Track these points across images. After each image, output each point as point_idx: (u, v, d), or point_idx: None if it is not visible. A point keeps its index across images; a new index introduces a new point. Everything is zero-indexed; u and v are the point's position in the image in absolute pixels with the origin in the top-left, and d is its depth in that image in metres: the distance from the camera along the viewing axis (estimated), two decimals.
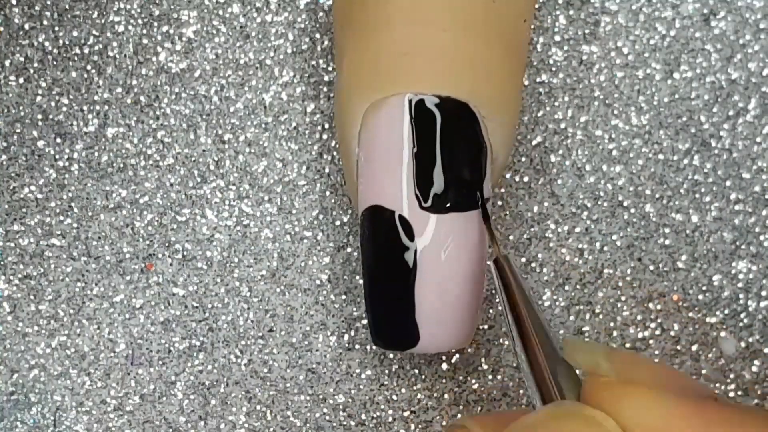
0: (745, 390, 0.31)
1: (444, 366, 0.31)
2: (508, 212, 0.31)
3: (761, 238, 0.31)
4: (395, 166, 0.26)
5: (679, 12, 0.31)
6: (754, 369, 0.31)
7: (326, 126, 0.31)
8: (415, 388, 0.31)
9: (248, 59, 0.31)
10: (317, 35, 0.31)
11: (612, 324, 0.31)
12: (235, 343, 0.31)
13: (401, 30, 0.26)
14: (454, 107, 0.26)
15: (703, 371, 0.31)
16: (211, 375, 0.31)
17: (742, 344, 0.31)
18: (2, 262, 0.31)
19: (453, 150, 0.26)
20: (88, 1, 0.31)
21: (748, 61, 0.31)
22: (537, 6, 0.31)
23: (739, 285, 0.31)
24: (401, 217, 0.26)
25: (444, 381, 0.31)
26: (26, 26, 0.31)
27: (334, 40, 0.30)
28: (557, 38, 0.31)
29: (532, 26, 0.31)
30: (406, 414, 0.31)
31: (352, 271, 0.31)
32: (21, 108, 0.31)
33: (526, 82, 0.31)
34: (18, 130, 0.31)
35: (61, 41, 0.31)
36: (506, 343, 0.31)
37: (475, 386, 0.31)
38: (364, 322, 0.31)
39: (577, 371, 0.24)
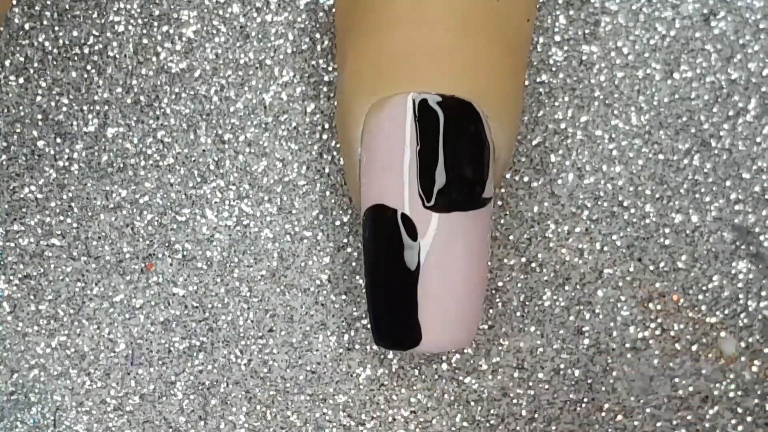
0: (745, 390, 0.31)
1: (444, 366, 0.31)
2: (508, 212, 0.31)
3: (761, 238, 0.31)
4: (398, 166, 0.26)
5: (679, 12, 0.31)
6: (754, 369, 0.31)
7: (326, 126, 0.31)
8: (415, 388, 0.31)
9: (248, 59, 0.31)
10: (317, 35, 0.31)
11: (612, 324, 0.31)
12: (235, 343, 0.31)
13: (404, 30, 0.26)
14: (457, 106, 0.26)
15: (703, 371, 0.31)
16: (211, 375, 0.31)
17: (742, 344, 0.31)
18: (2, 262, 0.31)
19: (456, 149, 0.26)
20: (88, 1, 0.31)
21: (748, 61, 0.31)
22: (537, 6, 0.31)
23: (739, 285, 0.31)
24: (404, 216, 0.26)
25: (444, 381, 0.31)
26: (26, 26, 0.31)
27: (335, 40, 0.30)
28: (557, 38, 0.31)
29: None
30: (406, 414, 0.31)
31: (352, 271, 0.31)
32: (21, 108, 0.31)
33: (526, 82, 0.31)
34: (18, 130, 0.31)
35: (61, 41, 0.31)
36: (506, 343, 0.31)
37: (475, 386, 0.31)
38: (365, 322, 0.31)
39: None
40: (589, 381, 0.31)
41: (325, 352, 0.31)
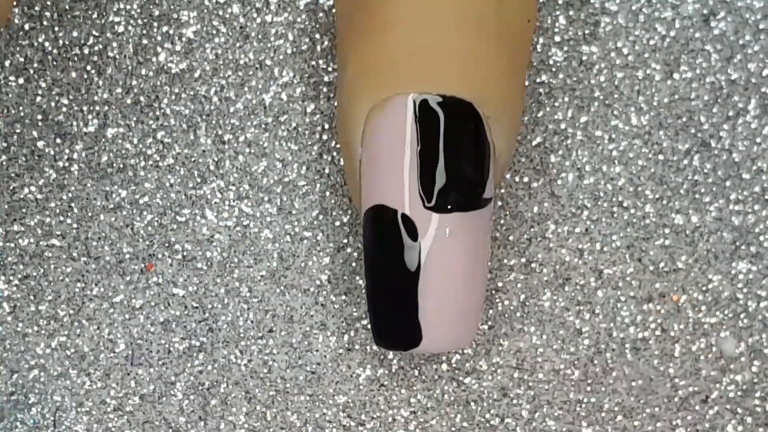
0: (745, 390, 0.31)
1: (444, 366, 0.31)
2: (508, 212, 0.31)
3: (761, 238, 0.31)
4: (398, 166, 0.26)
5: (679, 12, 0.31)
6: (754, 369, 0.31)
7: (326, 126, 0.31)
8: (415, 388, 0.31)
9: (248, 59, 0.31)
10: (317, 35, 0.31)
11: (612, 324, 0.31)
12: (235, 343, 0.31)
13: (404, 30, 0.26)
14: (458, 106, 0.26)
15: (703, 371, 0.31)
16: (211, 375, 0.31)
17: (742, 344, 0.31)
18: (2, 262, 0.31)
19: (456, 149, 0.26)
20: (88, 1, 0.31)
21: (748, 62, 0.31)
22: (537, 6, 0.31)
23: (739, 285, 0.31)
24: (404, 216, 0.26)
25: (444, 381, 0.31)
26: (26, 26, 0.31)
27: (335, 40, 0.30)
28: (557, 38, 0.31)
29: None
30: (406, 414, 0.31)
31: (352, 272, 0.31)
32: (21, 108, 0.31)
33: (527, 83, 0.31)
34: (18, 130, 0.31)
35: (61, 41, 0.31)
36: (506, 343, 0.31)
37: (475, 386, 0.31)
38: (364, 322, 0.31)
39: None
40: (589, 381, 0.31)
41: (325, 352, 0.31)
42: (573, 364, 0.31)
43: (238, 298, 0.31)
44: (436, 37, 0.26)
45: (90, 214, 0.31)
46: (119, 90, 0.31)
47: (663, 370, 0.31)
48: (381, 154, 0.26)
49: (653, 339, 0.31)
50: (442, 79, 0.26)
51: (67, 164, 0.31)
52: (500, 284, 0.31)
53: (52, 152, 0.31)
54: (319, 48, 0.31)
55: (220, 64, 0.31)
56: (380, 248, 0.26)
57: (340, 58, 0.28)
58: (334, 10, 0.31)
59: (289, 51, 0.31)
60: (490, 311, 0.31)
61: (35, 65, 0.31)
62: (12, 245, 0.31)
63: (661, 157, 0.31)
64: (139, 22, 0.31)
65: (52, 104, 0.31)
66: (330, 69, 0.31)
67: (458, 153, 0.26)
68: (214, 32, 0.31)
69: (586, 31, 0.31)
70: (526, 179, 0.31)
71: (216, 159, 0.31)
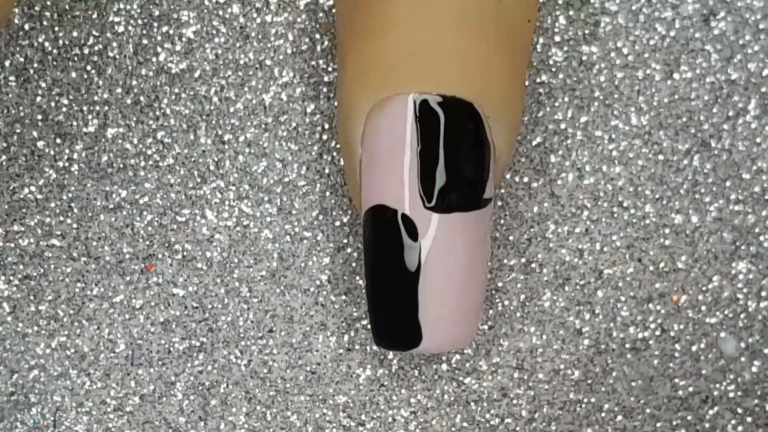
0: (745, 390, 0.31)
1: (444, 366, 0.31)
2: (508, 212, 0.31)
3: (761, 238, 0.31)
4: (399, 166, 0.26)
5: (679, 12, 0.31)
6: (754, 369, 0.31)
7: (326, 126, 0.31)
8: (415, 388, 0.31)
9: (248, 59, 0.31)
10: (317, 35, 0.31)
11: (612, 324, 0.31)
12: (235, 343, 0.31)
13: (405, 30, 0.26)
14: (458, 106, 0.26)
15: (703, 371, 0.31)
16: (211, 375, 0.31)
17: (742, 344, 0.31)
18: (2, 262, 0.31)
19: (456, 149, 0.26)
20: (88, 1, 0.31)
21: (748, 62, 0.31)
22: (537, 6, 0.31)
23: (739, 285, 0.31)
24: (404, 216, 0.26)
25: (444, 381, 0.31)
26: (26, 26, 0.31)
27: (335, 40, 0.30)
28: (557, 38, 0.31)
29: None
30: (406, 414, 0.31)
31: (352, 272, 0.31)
32: (21, 108, 0.31)
33: (527, 83, 0.31)
34: (18, 130, 0.31)
35: (61, 41, 0.31)
36: (506, 343, 0.31)
37: (475, 386, 0.31)
38: (364, 322, 0.31)
39: None
40: (589, 381, 0.31)
41: (325, 352, 0.31)
42: (573, 365, 0.31)
43: (238, 298, 0.31)
44: (436, 37, 0.26)
45: (90, 214, 0.31)
46: (119, 90, 0.31)
47: (663, 370, 0.31)
48: (381, 154, 0.26)
49: (653, 339, 0.31)
50: (442, 79, 0.26)
51: (67, 164, 0.31)
52: (500, 284, 0.31)
53: (52, 152, 0.31)
54: (319, 48, 0.31)
55: (220, 64, 0.31)
56: (380, 248, 0.26)
57: (340, 58, 0.28)
58: (334, 10, 0.31)
59: (289, 51, 0.31)
60: (490, 311, 0.31)
61: (35, 65, 0.31)
62: (12, 245, 0.31)
63: (661, 157, 0.31)
64: (139, 22, 0.31)
65: (52, 104, 0.31)
66: (330, 69, 0.31)
67: (458, 153, 0.26)
68: (214, 32, 0.31)
69: (586, 31, 0.31)
70: (526, 179, 0.31)
71: (216, 159, 0.31)
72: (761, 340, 0.31)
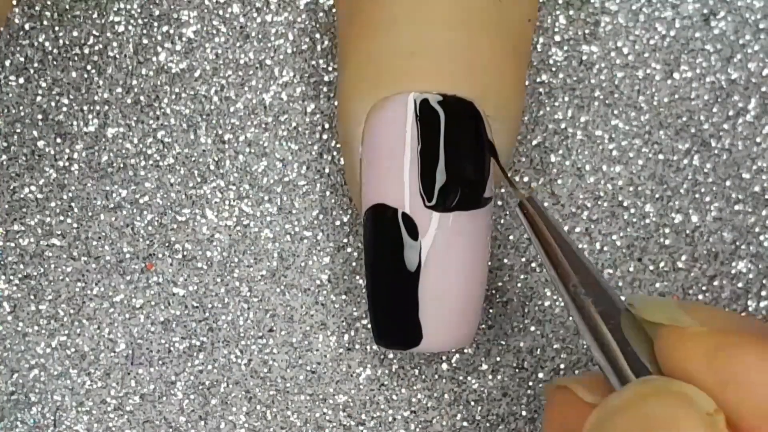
0: None
1: (444, 366, 0.31)
2: (508, 212, 0.31)
3: (761, 238, 0.31)
4: (399, 165, 0.26)
5: (679, 12, 0.31)
6: None
7: (326, 126, 0.31)
8: (415, 388, 0.31)
9: (248, 59, 0.31)
10: (317, 35, 0.31)
11: None
12: (235, 343, 0.31)
13: (407, 29, 0.26)
14: (458, 105, 0.26)
15: None
16: (211, 375, 0.31)
17: None
18: (2, 262, 0.31)
19: (457, 148, 0.26)
20: (88, 1, 0.31)
21: (748, 61, 0.31)
22: (537, 6, 0.31)
23: (739, 285, 0.31)
24: (405, 215, 0.26)
25: (444, 381, 0.31)
26: (26, 26, 0.31)
27: (335, 40, 0.30)
28: (557, 38, 0.31)
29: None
30: (406, 414, 0.31)
31: (352, 271, 0.31)
32: (21, 108, 0.31)
33: (527, 82, 0.31)
34: (18, 130, 0.31)
35: (61, 41, 0.31)
36: (506, 343, 0.31)
37: (475, 386, 0.31)
38: (365, 322, 0.31)
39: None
40: None
41: (325, 352, 0.31)
42: (573, 364, 0.31)
43: (238, 298, 0.31)
44: (437, 36, 0.26)
45: (90, 213, 0.31)
46: (119, 90, 0.31)
47: None
48: (381, 153, 0.26)
49: None
50: (443, 78, 0.26)
51: (67, 164, 0.31)
52: (500, 284, 0.31)
53: (52, 152, 0.31)
54: (319, 48, 0.31)
55: (220, 63, 0.31)
56: (380, 247, 0.26)
57: (340, 58, 0.28)
58: (334, 10, 0.31)
59: (289, 51, 0.31)
60: (490, 311, 0.31)
61: (35, 65, 0.31)
62: (12, 245, 0.31)
63: (661, 156, 0.31)
64: (139, 21, 0.31)
65: (52, 104, 0.31)
66: (330, 69, 0.31)
67: (459, 152, 0.26)
68: (214, 32, 0.31)
69: (586, 31, 0.31)
70: (526, 179, 0.31)
71: (216, 159, 0.31)
72: None
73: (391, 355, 0.31)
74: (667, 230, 0.31)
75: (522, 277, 0.31)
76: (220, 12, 0.31)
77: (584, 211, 0.31)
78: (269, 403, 0.31)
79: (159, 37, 0.31)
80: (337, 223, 0.31)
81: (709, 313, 0.22)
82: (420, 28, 0.26)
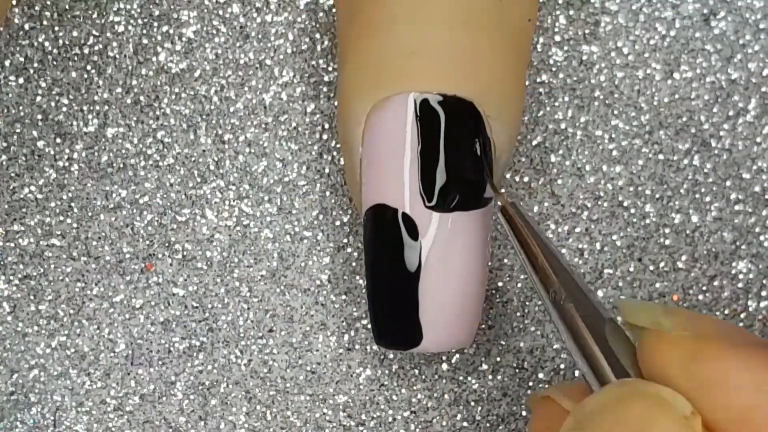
0: None
1: (444, 366, 0.31)
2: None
3: (761, 238, 0.31)
4: (399, 165, 0.26)
5: (679, 12, 0.31)
6: None
7: (326, 126, 0.31)
8: (415, 388, 0.31)
9: (248, 59, 0.31)
10: (317, 35, 0.31)
11: None
12: (235, 343, 0.31)
13: (407, 29, 0.26)
14: (458, 105, 0.26)
15: None
16: (211, 375, 0.31)
17: None
18: (2, 262, 0.31)
19: (457, 148, 0.26)
20: (88, 1, 0.31)
21: (748, 61, 0.31)
22: (538, 6, 0.31)
23: (739, 285, 0.31)
24: (405, 215, 0.26)
25: (444, 381, 0.31)
26: (26, 26, 0.31)
27: (335, 40, 0.30)
28: (557, 38, 0.31)
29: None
30: (406, 414, 0.31)
31: (352, 271, 0.31)
32: (21, 108, 0.31)
33: (527, 82, 0.31)
34: (18, 130, 0.31)
35: (61, 41, 0.31)
36: (506, 343, 0.31)
37: (475, 386, 0.31)
38: (365, 322, 0.31)
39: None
40: None
41: (325, 352, 0.31)
42: (573, 364, 0.31)
43: (238, 298, 0.31)
44: (437, 36, 0.26)
45: (90, 213, 0.31)
46: (119, 90, 0.31)
47: None
48: (381, 153, 0.26)
49: None
50: (443, 78, 0.26)
51: (67, 164, 0.31)
52: (500, 284, 0.31)
53: (52, 152, 0.31)
54: (319, 48, 0.31)
55: (220, 63, 0.31)
56: (381, 248, 0.26)
57: (340, 58, 0.28)
58: (334, 10, 0.31)
59: (289, 51, 0.31)
60: (490, 311, 0.31)
61: (35, 65, 0.31)
62: (12, 245, 0.31)
63: (661, 156, 0.31)
64: (139, 21, 0.31)
65: (52, 104, 0.31)
66: (330, 69, 0.31)
67: (459, 152, 0.26)
68: (214, 32, 0.31)
69: (587, 31, 0.31)
70: (526, 179, 0.31)
71: (216, 159, 0.31)
72: None
73: (391, 355, 0.31)
74: (667, 230, 0.31)
75: (522, 277, 0.31)
76: (220, 12, 0.31)
77: (584, 211, 0.31)
78: (269, 403, 0.31)
79: (159, 37, 0.31)
80: (337, 223, 0.31)
81: (691, 318, 0.22)
82: (420, 28, 0.26)
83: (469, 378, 0.31)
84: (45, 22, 0.31)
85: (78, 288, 0.31)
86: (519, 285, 0.31)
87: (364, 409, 0.31)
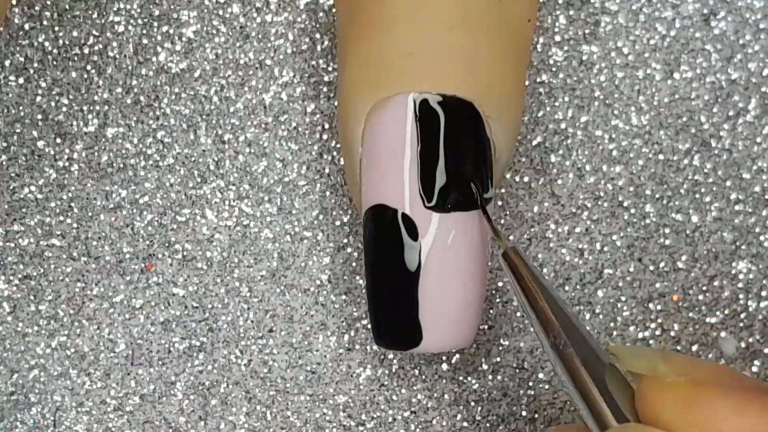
0: None
1: (444, 366, 0.31)
2: (508, 212, 0.31)
3: (761, 238, 0.31)
4: (399, 166, 0.26)
5: (679, 12, 0.31)
6: (754, 369, 0.31)
7: (326, 126, 0.31)
8: (415, 388, 0.31)
9: (248, 59, 0.31)
10: (317, 35, 0.31)
11: (612, 324, 0.31)
12: (235, 343, 0.31)
13: (406, 29, 0.26)
14: (458, 106, 0.26)
15: None
16: (211, 375, 0.31)
17: (742, 344, 0.31)
18: (2, 262, 0.31)
19: (456, 149, 0.26)
20: (88, 1, 0.31)
21: (748, 61, 0.31)
22: (537, 6, 0.31)
23: (739, 285, 0.31)
24: (404, 215, 0.26)
25: (444, 381, 0.31)
26: (26, 26, 0.31)
27: (336, 40, 0.30)
28: (557, 38, 0.31)
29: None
30: (406, 414, 0.31)
31: (352, 271, 0.31)
32: (21, 108, 0.31)
33: (527, 82, 0.31)
34: (18, 130, 0.31)
35: (61, 41, 0.31)
36: (506, 343, 0.31)
37: (475, 386, 0.31)
38: (365, 322, 0.31)
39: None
40: None
41: (325, 352, 0.31)
42: None
43: (238, 298, 0.31)
44: (436, 36, 0.26)
45: (90, 213, 0.31)
46: (119, 90, 0.31)
47: None
48: (381, 153, 0.26)
49: (653, 339, 0.31)
50: (443, 78, 0.26)
51: (67, 164, 0.31)
52: (500, 284, 0.31)
53: (52, 152, 0.31)
54: (319, 48, 0.31)
55: (220, 63, 0.31)
56: (380, 248, 0.26)
57: (340, 58, 0.28)
58: (334, 10, 0.31)
59: (289, 51, 0.31)
60: (490, 311, 0.31)
61: (35, 65, 0.31)
62: (12, 245, 0.31)
63: (661, 156, 0.31)
64: (139, 21, 0.31)
65: (52, 104, 0.31)
66: (330, 69, 0.31)
67: (459, 152, 0.26)
68: (214, 32, 0.31)
69: (587, 31, 0.31)
70: (526, 179, 0.31)
71: (216, 159, 0.31)
72: (761, 340, 0.31)
73: (391, 355, 0.31)
74: (667, 230, 0.31)
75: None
76: (220, 12, 0.31)
77: (584, 211, 0.31)
78: (269, 403, 0.31)
79: (159, 37, 0.31)
80: (337, 223, 0.31)
81: (687, 363, 0.23)
82: (420, 29, 0.26)
83: (469, 378, 0.31)
84: (45, 22, 0.31)
85: (78, 288, 0.31)
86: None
87: (364, 409, 0.31)
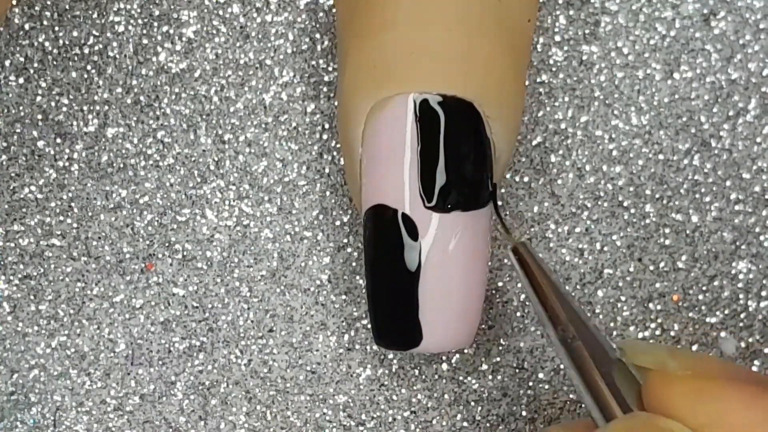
0: None
1: (444, 366, 0.31)
2: (508, 212, 0.31)
3: (761, 238, 0.31)
4: (399, 166, 0.26)
5: (679, 12, 0.31)
6: (754, 369, 0.31)
7: (326, 126, 0.31)
8: (415, 388, 0.31)
9: (248, 59, 0.31)
10: (317, 35, 0.31)
11: (612, 324, 0.31)
12: (235, 343, 0.31)
13: (406, 29, 0.26)
14: (458, 106, 0.26)
15: None
16: (211, 375, 0.31)
17: (742, 344, 0.31)
18: (2, 262, 0.31)
19: (457, 149, 0.26)
20: (88, 1, 0.31)
21: (748, 61, 0.31)
22: (537, 6, 0.31)
23: (739, 285, 0.31)
24: (404, 215, 0.26)
25: (444, 381, 0.31)
26: (26, 26, 0.31)
27: (336, 40, 0.30)
28: (557, 38, 0.31)
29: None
30: (406, 414, 0.31)
31: (352, 271, 0.31)
32: (21, 108, 0.31)
33: (527, 82, 0.31)
34: (18, 130, 0.31)
35: (61, 41, 0.31)
36: (506, 343, 0.31)
37: (475, 386, 0.31)
38: (365, 322, 0.31)
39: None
40: None
41: (325, 352, 0.31)
42: None
43: (238, 298, 0.31)
44: (436, 37, 0.26)
45: (90, 213, 0.31)
46: (119, 90, 0.31)
47: None
48: (381, 153, 0.26)
49: (653, 339, 0.31)
50: (443, 78, 0.26)
51: (67, 164, 0.31)
52: (500, 284, 0.31)
53: (52, 152, 0.31)
54: (319, 48, 0.31)
55: (220, 63, 0.31)
56: (381, 248, 0.26)
57: (340, 58, 0.28)
58: (334, 10, 0.31)
59: (289, 51, 0.31)
60: (490, 311, 0.31)
61: (35, 65, 0.31)
62: (12, 245, 0.31)
63: (661, 156, 0.31)
64: (139, 21, 0.31)
65: (52, 104, 0.31)
66: (330, 69, 0.31)
67: (459, 152, 0.26)
68: (214, 32, 0.31)
69: (587, 31, 0.31)
70: (526, 179, 0.31)
71: (216, 159, 0.31)
72: (761, 340, 0.31)
73: (391, 355, 0.31)
74: (667, 230, 0.31)
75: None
76: (220, 12, 0.31)
77: (584, 211, 0.31)
78: (269, 403, 0.31)
79: (159, 37, 0.31)
80: (337, 223, 0.31)
81: (694, 358, 0.23)
82: (420, 29, 0.26)
83: (469, 378, 0.31)
84: (45, 22, 0.31)
85: (78, 288, 0.31)
86: (519, 285, 0.31)
87: (364, 409, 0.31)
